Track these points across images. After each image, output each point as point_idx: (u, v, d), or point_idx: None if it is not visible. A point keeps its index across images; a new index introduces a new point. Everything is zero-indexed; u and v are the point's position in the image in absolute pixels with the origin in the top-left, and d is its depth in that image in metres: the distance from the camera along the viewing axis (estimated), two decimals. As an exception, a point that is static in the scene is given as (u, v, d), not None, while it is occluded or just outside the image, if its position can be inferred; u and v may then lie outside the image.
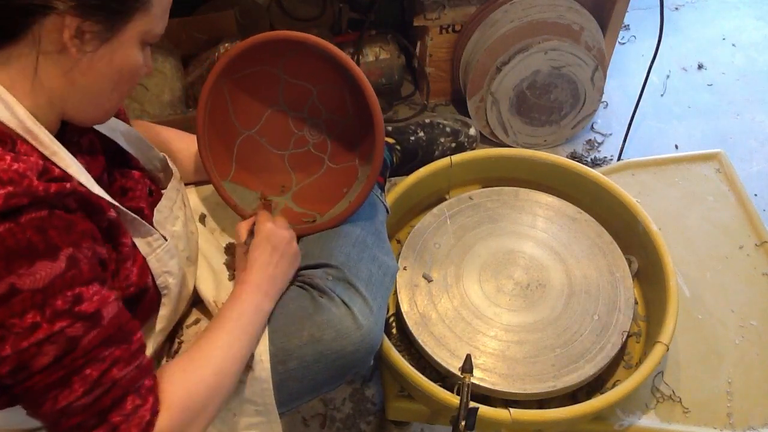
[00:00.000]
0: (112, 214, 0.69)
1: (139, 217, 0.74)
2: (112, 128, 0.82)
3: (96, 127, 0.78)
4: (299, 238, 0.95)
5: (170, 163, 0.91)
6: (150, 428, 0.63)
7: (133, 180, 0.82)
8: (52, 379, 0.59)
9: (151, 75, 1.51)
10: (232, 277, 0.94)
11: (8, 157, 0.57)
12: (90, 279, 0.61)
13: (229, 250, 0.97)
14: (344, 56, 0.89)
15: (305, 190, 1.04)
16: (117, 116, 0.86)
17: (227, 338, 0.76)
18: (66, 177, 0.63)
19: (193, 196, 1.03)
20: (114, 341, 0.63)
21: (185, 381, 0.69)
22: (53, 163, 0.63)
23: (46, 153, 0.63)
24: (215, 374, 0.72)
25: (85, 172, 0.68)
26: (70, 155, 0.66)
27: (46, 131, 0.64)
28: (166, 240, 0.79)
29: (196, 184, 1.05)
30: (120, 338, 0.64)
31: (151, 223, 0.78)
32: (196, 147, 0.98)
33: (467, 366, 0.91)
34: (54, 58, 0.63)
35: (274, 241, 0.86)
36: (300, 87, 1.01)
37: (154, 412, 0.64)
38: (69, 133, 0.72)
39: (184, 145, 1.02)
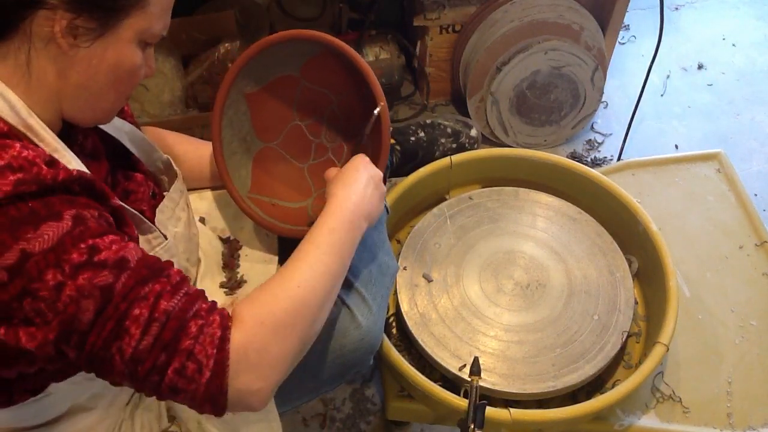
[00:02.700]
0: (116, 202, 0.68)
1: (139, 214, 0.74)
2: (117, 128, 0.82)
3: (101, 126, 0.78)
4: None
5: (174, 165, 0.91)
6: (225, 344, 0.60)
7: (136, 182, 0.82)
8: (106, 333, 0.58)
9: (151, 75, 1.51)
10: (228, 279, 0.93)
11: (18, 145, 0.57)
12: (101, 232, 0.59)
13: (227, 244, 0.97)
14: (362, 62, 0.88)
15: (324, 196, 1.03)
16: (124, 118, 0.86)
17: (316, 252, 0.71)
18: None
19: (193, 196, 1.03)
20: (149, 279, 0.60)
21: (263, 296, 0.65)
22: (56, 159, 0.63)
23: (48, 150, 0.63)
24: (300, 287, 0.67)
25: (88, 171, 0.67)
26: (71, 153, 0.66)
27: (47, 128, 0.64)
28: (166, 238, 0.79)
29: (211, 189, 1.04)
30: (155, 275, 0.61)
31: (153, 224, 0.78)
32: (204, 152, 0.98)
33: (475, 368, 0.91)
34: (46, 53, 0.62)
35: (371, 170, 0.83)
36: (318, 93, 1.00)
37: (225, 327, 0.61)
38: (73, 136, 0.72)
39: (194, 150, 1.01)
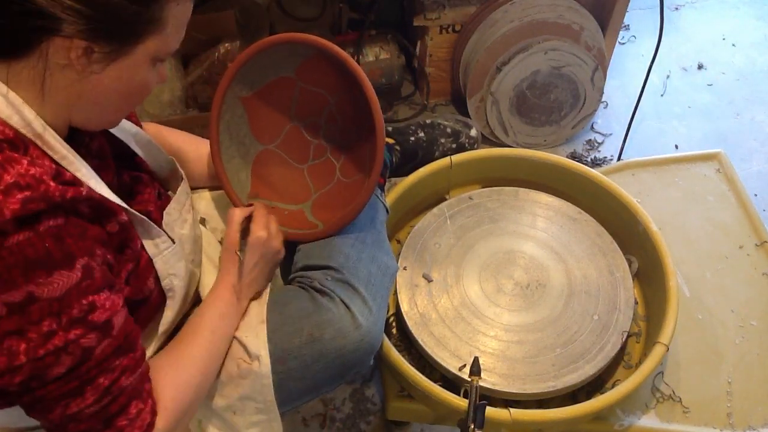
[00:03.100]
0: (124, 217, 0.70)
1: (147, 219, 0.75)
2: (124, 129, 0.83)
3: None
4: (300, 243, 0.95)
5: (179, 167, 0.91)
6: (150, 429, 0.67)
7: (142, 183, 0.83)
8: (66, 389, 0.61)
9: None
10: None
11: (25, 161, 0.58)
12: (102, 286, 0.62)
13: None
14: (352, 62, 0.88)
15: (322, 198, 1.03)
16: (129, 118, 0.86)
17: (210, 337, 0.79)
18: (77, 181, 0.63)
19: (192, 197, 1.03)
20: (123, 351, 0.65)
21: (175, 382, 0.72)
22: (63, 168, 0.64)
23: (56, 157, 0.64)
24: (201, 374, 0.76)
25: (96, 175, 0.68)
26: (80, 159, 0.66)
27: (56, 135, 0.64)
28: (174, 242, 0.79)
29: (209, 189, 1.04)
30: (128, 347, 0.66)
31: (160, 226, 0.79)
32: (204, 151, 0.98)
33: (475, 369, 0.91)
34: (61, 75, 0.63)
35: (264, 251, 0.88)
36: (315, 93, 1.00)
37: (154, 413, 0.68)
38: (79, 138, 0.72)
39: (194, 149, 1.02)
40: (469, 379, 0.90)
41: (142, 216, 0.74)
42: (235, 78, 0.92)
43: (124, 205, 0.70)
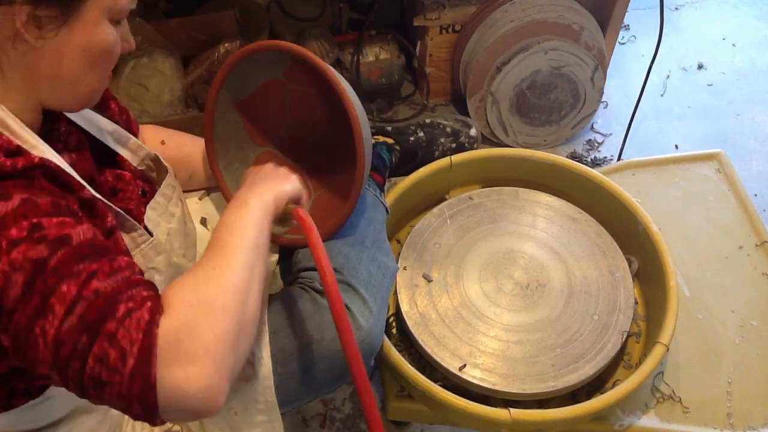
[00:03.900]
0: (88, 193, 0.66)
1: (123, 212, 0.73)
2: (100, 128, 0.82)
3: (83, 126, 0.78)
4: (298, 249, 0.95)
5: (163, 162, 0.89)
6: (153, 327, 0.53)
7: (124, 181, 0.82)
8: (30, 309, 0.53)
9: (150, 74, 1.51)
10: None
11: None
12: (51, 212, 0.56)
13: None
14: (317, 59, 0.87)
15: (320, 201, 1.03)
16: (111, 117, 0.85)
17: (229, 238, 0.66)
18: (25, 151, 0.60)
19: (193, 198, 1.03)
20: (88, 257, 0.56)
21: (181, 280, 0.60)
22: (25, 150, 0.61)
23: (17, 142, 0.61)
24: (215, 269, 0.61)
25: (60, 158, 0.66)
26: (45, 144, 0.64)
27: (16, 119, 0.63)
28: (152, 236, 0.77)
29: (208, 190, 1.04)
30: (96, 255, 0.56)
31: (142, 222, 0.78)
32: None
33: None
34: (13, 50, 0.61)
35: (266, 170, 0.84)
36: (306, 93, 1.00)
37: (154, 311, 0.55)
38: (55, 131, 0.71)
39: (196, 151, 1.01)
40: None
41: (118, 209, 0.72)
42: (222, 87, 0.93)
43: (95, 192, 0.67)
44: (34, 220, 0.54)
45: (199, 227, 0.98)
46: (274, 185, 0.76)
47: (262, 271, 0.67)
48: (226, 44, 1.57)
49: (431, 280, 1.14)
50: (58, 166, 0.61)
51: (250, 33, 1.69)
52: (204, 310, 0.56)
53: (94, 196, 0.67)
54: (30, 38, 0.61)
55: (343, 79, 0.90)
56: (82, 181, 0.66)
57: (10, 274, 0.53)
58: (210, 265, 0.62)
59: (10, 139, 0.61)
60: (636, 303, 1.17)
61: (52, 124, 0.71)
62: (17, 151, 0.59)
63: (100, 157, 0.80)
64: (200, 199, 1.03)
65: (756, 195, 1.68)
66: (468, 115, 1.72)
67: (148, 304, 0.55)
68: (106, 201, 0.70)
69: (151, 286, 0.59)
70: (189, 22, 1.58)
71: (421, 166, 1.27)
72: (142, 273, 0.61)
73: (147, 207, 0.81)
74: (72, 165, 0.68)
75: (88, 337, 0.52)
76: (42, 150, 0.63)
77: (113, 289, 0.55)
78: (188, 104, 1.61)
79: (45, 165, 0.59)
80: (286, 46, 0.88)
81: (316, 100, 1.01)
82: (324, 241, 0.84)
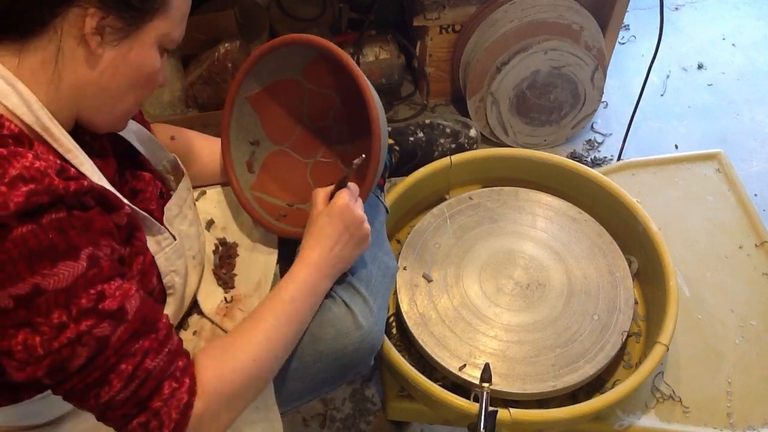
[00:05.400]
0: (128, 209, 0.70)
1: (149, 216, 0.75)
2: (128, 128, 0.83)
3: None
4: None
5: (180, 164, 0.91)
6: (188, 410, 0.64)
7: (144, 182, 0.83)
8: (90, 380, 0.61)
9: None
10: (220, 283, 0.93)
11: (30, 155, 0.58)
12: (110, 275, 0.62)
13: (224, 246, 0.97)
14: (352, 64, 0.88)
15: None
16: (133, 118, 0.86)
17: (274, 322, 0.74)
18: (80, 175, 0.63)
19: (201, 201, 1.03)
20: (141, 334, 0.63)
21: (218, 366, 0.68)
22: (68, 162, 0.64)
23: (61, 150, 0.64)
24: (254, 360, 0.70)
25: (98, 171, 0.68)
26: (83, 153, 0.67)
27: (62, 128, 0.65)
28: (175, 239, 0.79)
29: (222, 185, 1.04)
30: (147, 329, 0.64)
31: (162, 224, 0.79)
32: (218, 149, 0.98)
33: (486, 375, 0.92)
34: (74, 52, 0.64)
35: (347, 220, 0.82)
36: (323, 94, 1.01)
37: (192, 393, 0.65)
38: (80, 136, 0.72)
39: (207, 146, 1.02)
40: (480, 387, 0.90)
41: (144, 213, 0.74)
42: (245, 79, 0.94)
43: (126, 201, 0.70)
44: (99, 288, 0.60)
45: (203, 230, 0.98)
46: (354, 255, 0.85)
47: (291, 350, 0.79)
48: (226, 44, 1.57)
49: (431, 280, 1.14)
50: (103, 188, 0.65)
51: (250, 33, 1.69)
52: (227, 400, 0.68)
53: (131, 210, 0.71)
54: (92, 43, 0.64)
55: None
56: (121, 197, 0.69)
57: (76, 346, 0.59)
58: (256, 347, 0.72)
59: (57, 153, 0.64)
60: (636, 303, 1.17)
61: (77, 127, 0.72)
62: (67, 171, 0.61)
63: (121, 157, 0.81)
64: (197, 199, 1.03)
65: (756, 195, 1.68)
66: (468, 116, 1.72)
67: (187, 383, 0.65)
68: (136, 208, 0.73)
69: (181, 350, 0.67)
70: (189, 22, 1.57)
71: (420, 167, 1.27)
72: (176, 333, 0.69)
73: (165, 208, 0.82)
74: (100, 170, 0.70)
75: (137, 410, 0.63)
76: (82, 161, 0.66)
77: (161, 370, 0.64)
78: (188, 104, 1.62)
79: (93, 188, 0.63)
80: (318, 41, 0.89)
81: (333, 100, 1.01)
82: None
